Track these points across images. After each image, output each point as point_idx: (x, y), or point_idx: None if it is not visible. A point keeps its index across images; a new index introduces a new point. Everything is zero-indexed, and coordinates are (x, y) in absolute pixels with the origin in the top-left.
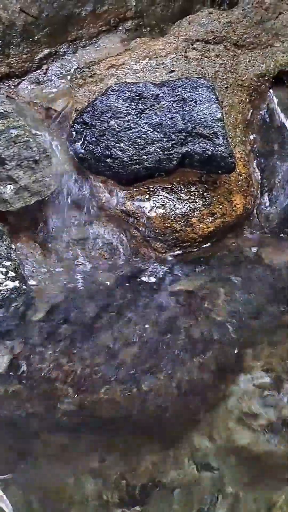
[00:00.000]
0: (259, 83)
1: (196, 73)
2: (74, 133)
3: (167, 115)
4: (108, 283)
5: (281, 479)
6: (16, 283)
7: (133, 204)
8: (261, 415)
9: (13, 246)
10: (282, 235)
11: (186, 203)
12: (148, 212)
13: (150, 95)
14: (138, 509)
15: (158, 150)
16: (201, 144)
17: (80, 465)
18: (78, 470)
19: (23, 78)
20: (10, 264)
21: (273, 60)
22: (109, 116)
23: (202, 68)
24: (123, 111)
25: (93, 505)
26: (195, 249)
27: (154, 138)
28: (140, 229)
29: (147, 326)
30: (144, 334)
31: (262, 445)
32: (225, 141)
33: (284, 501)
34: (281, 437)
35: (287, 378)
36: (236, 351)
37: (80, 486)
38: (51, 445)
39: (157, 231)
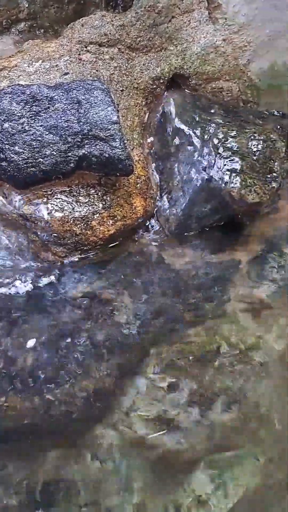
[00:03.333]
0: (154, 86)
1: (91, 76)
2: None
3: (63, 118)
4: (6, 289)
5: (182, 474)
6: None
7: (31, 207)
8: (162, 413)
9: None
10: (181, 236)
11: (86, 206)
12: (46, 216)
13: (45, 98)
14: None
15: (55, 153)
16: (98, 147)
17: None
18: None
19: None
20: None
21: (168, 63)
22: (2, 119)
23: (97, 70)
24: (17, 114)
25: None
26: (96, 252)
27: (50, 141)
28: (39, 233)
29: (48, 331)
30: (45, 339)
31: (164, 442)
32: (121, 144)
33: (188, 493)
34: (181, 433)
35: (184, 377)
36: (138, 351)
37: None
38: None
39: (56, 235)
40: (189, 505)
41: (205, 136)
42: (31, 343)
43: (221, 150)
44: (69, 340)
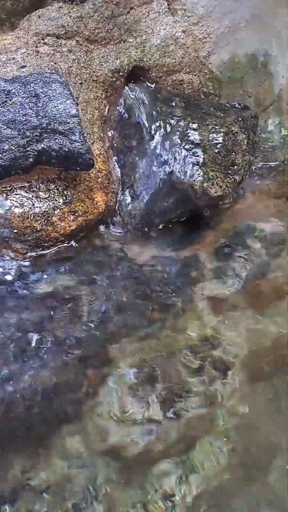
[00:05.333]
0: (114, 79)
1: (49, 69)
2: None
3: (20, 112)
4: None
5: (150, 471)
6: None
7: None
8: (129, 411)
9: None
10: (144, 231)
11: (46, 201)
12: (6, 212)
13: (1, 91)
14: (7, 508)
15: (13, 148)
16: (57, 141)
17: None
18: None
19: None
20: None
21: (127, 55)
22: None
23: (55, 63)
24: None
25: None
26: (58, 249)
27: (8, 135)
28: None
29: (9, 328)
30: (7, 336)
31: (132, 440)
32: (81, 137)
33: (157, 496)
34: (149, 432)
35: (149, 374)
36: (102, 349)
37: None
38: None
39: (16, 231)
40: (155, 500)
41: (166, 129)
42: None
43: (182, 143)
44: (30, 337)
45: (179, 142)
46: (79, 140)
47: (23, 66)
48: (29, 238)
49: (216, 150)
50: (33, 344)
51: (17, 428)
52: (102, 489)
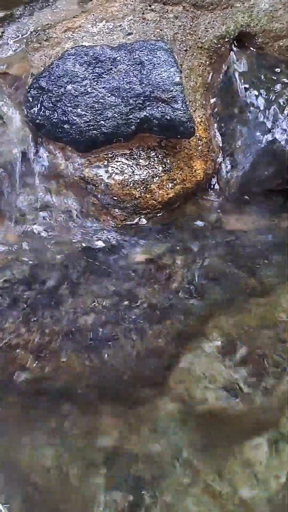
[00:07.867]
0: (219, 45)
1: (154, 36)
2: (30, 98)
3: (125, 79)
4: (67, 251)
5: (236, 441)
6: None
7: (92, 170)
8: (218, 380)
9: None
10: (242, 200)
11: (145, 169)
12: (107, 179)
13: (107, 59)
14: (100, 480)
15: (116, 115)
16: (159, 109)
17: (39, 436)
18: (36, 440)
19: None
20: None
21: (233, 21)
22: (65, 81)
23: (161, 30)
24: (80, 76)
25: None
26: (155, 216)
27: (111, 103)
28: (99, 196)
29: (106, 294)
30: (103, 303)
31: (221, 406)
32: (183, 105)
33: (238, 463)
34: (239, 398)
35: (245, 347)
36: (194, 319)
37: (39, 456)
38: (9, 414)
39: (116, 198)
40: (241, 472)
41: (270, 97)
42: (90, 304)
43: (286, 111)
44: (126, 303)
45: (283, 110)
46: (182, 108)
47: (129, 34)
48: (128, 205)
49: None
50: (128, 308)
51: (111, 391)
52: (185, 456)
